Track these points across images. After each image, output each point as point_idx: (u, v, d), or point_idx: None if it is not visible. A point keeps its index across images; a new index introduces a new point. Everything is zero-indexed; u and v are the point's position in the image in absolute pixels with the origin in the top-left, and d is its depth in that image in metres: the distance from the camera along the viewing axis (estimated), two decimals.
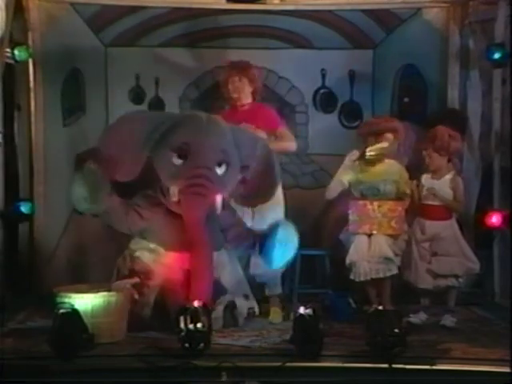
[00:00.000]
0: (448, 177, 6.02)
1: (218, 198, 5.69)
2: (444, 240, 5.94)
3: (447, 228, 5.98)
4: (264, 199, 6.07)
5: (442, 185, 5.99)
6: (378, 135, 6.25)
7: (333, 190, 6.36)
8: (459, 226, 6.08)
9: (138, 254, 5.83)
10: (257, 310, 6.01)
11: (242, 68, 6.41)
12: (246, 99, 6.41)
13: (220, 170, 5.70)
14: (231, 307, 5.81)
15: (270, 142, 6.23)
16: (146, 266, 5.76)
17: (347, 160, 6.34)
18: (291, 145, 6.46)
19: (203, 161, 5.63)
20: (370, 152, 6.19)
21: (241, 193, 5.94)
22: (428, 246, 5.96)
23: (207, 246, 5.65)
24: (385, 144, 6.20)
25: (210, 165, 5.64)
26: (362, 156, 6.20)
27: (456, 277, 5.94)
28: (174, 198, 5.61)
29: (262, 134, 6.21)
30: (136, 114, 6.32)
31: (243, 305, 5.89)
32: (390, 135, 6.25)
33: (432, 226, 5.95)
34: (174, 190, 5.61)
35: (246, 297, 5.95)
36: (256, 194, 5.98)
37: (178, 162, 5.63)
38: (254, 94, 6.45)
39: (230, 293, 5.87)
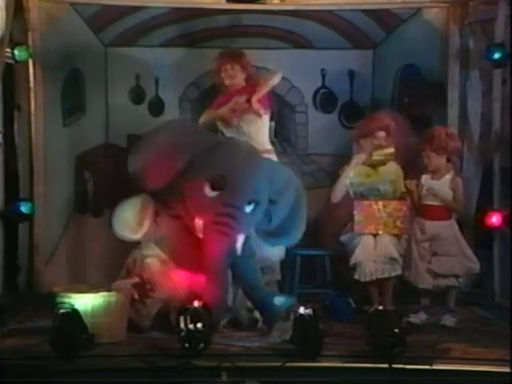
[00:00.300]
0: (448, 177, 6.02)
1: (241, 238, 5.51)
2: (444, 240, 5.94)
3: (447, 228, 5.98)
4: (287, 240, 5.86)
5: (441, 185, 5.99)
6: (369, 135, 6.24)
7: (339, 193, 6.34)
8: (459, 226, 6.08)
9: (148, 261, 5.73)
10: (260, 321, 5.82)
11: (234, 56, 6.42)
12: (240, 85, 6.42)
13: (248, 208, 5.49)
14: (233, 322, 5.79)
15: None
16: (155, 277, 5.67)
17: (353, 163, 6.33)
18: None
19: (235, 199, 5.41)
20: (376, 157, 6.24)
21: (264, 229, 5.70)
22: (428, 246, 5.96)
23: (223, 275, 5.51)
24: (391, 149, 6.24)
25: (241, 204, 5.43)
26: (368, 160, 6.23)
27: (456, 277, 5.94)
28: (200, 234, 5.44)
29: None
30: (181, 122, 6.19)
31: (245, 317, 5.86)
32: (381, 133, 6.24)
33: (432, 226, 5.95)
34: (199, 224, 5.42)
35: (250, 310, 5.88)
36: (280, 233, 5.72)
37: (210, 193, 5.40)
38: (247, 80, 6.46)
39: (234, 309, 5.82)
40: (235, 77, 6.38)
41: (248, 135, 6.26)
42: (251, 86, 6.37)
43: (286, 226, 5.65)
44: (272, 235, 5.70)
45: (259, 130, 6.35)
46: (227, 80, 6.40)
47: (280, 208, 5.60)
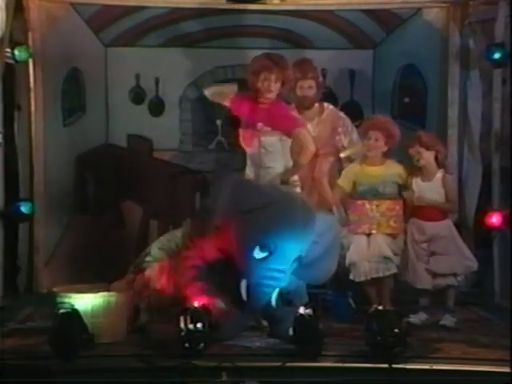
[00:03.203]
0: (438, 176, 6.01)
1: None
2: (442, 239, 5.94)
3: (445, 227, 5.98)
4: (316, 277, 5.69)
5: (433, 186, 5.98)
6: (366, 131, 6.20)
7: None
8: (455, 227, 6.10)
9: (145, 265, 5.68)
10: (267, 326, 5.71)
11: (280, 67, 6.00)
12: (270, 98, 6.04)
13: (292, 266, 5.39)
14: None
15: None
16: (151, 282, 5.58)
17: (350, 166, 6.31)
18: (306, 149, 6.03)
19: (283, 264, 5.29)
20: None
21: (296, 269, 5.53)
22: (427, 246, 5.97)
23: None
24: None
25: (286, 268, 5.32)
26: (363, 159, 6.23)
27: (455, 275, 5.94)
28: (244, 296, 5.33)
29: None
30: (237, 178, 5.87)
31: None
32: (377, 133, 6.10)
33: (431, 227, 5.95)
34: (243, 285, 5.30)
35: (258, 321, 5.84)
36: (311, 269, 5.52)
37: (259, 255, 5.25)
38: (280, 93, 6.11)
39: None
40: (271, 89, 6.00)
41: (273, 147, 6.13)
42: (278, 117, 6.05)
43: (318, 264, 5.51)
44: (302, 270, 5.51)
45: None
46: (263, 85, 5.98)
47: (316, 247, 5.45)
